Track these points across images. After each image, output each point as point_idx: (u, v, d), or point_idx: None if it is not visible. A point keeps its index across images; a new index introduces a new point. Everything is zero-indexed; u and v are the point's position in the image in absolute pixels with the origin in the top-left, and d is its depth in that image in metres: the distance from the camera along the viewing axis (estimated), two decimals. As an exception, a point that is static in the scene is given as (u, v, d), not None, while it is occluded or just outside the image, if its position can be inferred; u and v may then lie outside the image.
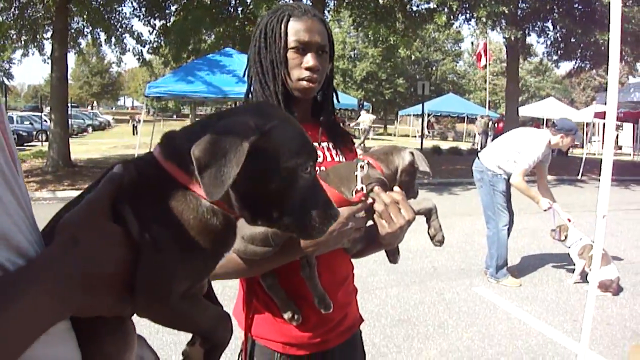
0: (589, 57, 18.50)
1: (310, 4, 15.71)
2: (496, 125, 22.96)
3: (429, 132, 35.11)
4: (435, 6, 13.81)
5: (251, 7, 14.16)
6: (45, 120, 20.71)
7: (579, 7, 15.18)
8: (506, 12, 13.97)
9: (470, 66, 46.77)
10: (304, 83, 1.44)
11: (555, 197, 5.70)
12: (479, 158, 5.79)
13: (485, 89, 30.14)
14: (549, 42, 18.50)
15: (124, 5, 16.46)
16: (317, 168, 1.40)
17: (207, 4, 14.17)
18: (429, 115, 34.35)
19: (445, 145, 23.93)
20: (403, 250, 6.35)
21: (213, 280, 1.18)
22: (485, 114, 26.42)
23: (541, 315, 4.78)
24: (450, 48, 49.00)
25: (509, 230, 5.67)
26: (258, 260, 1.30)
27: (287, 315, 1.44)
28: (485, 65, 25.51)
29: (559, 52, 18.77)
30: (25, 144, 22.26)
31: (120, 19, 16.72)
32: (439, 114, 35.95)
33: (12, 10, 15.70)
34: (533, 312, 4.87)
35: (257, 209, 0.78)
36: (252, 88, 1.52)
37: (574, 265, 5.73)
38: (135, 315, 0.75)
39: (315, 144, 1.47)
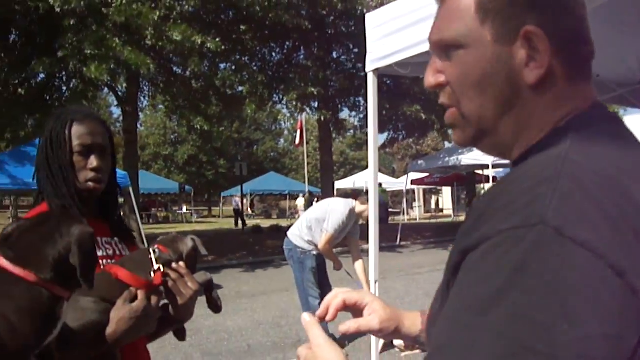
0: (401, 128, 19.56)
1: (125, 89, 14.98)
2: (318, 200, 23.35)
3: (252, 212, 35.32)
4: (246, 93, 13.58)
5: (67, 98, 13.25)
6: None
7: (387, 82, 15.88)
8: (315, 93, 14.18)
9: (292, 144, 46.70)
10: (91, 184, 1.55)
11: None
12: (287, 236, 5.67)
13: (306, 166, 30.89)
14: (361, 116, 18.81)
15: None
16: (108, 261, 1.57)
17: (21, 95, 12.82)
18: (250, 194, 34.77)
19: (267, 223, 24.16)
20: (220, 331, 6.69)
21: None
22: (306, 190, 27.16)
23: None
24: (269, 127, 48.91)
25: None
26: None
27: None
28: (302, 143, 26.38)
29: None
30: None
31: None
32: (261, 193, 36.32)
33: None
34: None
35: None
36: (43, 189, 1.58)
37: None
38: None
39: (108, 239, 1.66)
